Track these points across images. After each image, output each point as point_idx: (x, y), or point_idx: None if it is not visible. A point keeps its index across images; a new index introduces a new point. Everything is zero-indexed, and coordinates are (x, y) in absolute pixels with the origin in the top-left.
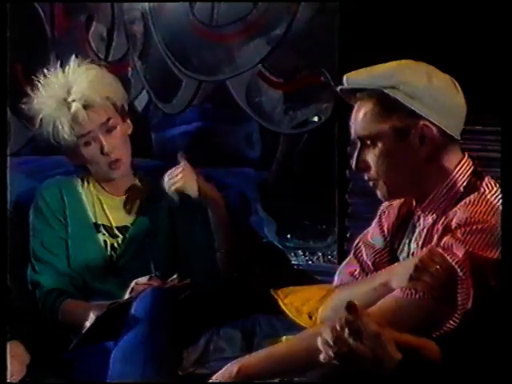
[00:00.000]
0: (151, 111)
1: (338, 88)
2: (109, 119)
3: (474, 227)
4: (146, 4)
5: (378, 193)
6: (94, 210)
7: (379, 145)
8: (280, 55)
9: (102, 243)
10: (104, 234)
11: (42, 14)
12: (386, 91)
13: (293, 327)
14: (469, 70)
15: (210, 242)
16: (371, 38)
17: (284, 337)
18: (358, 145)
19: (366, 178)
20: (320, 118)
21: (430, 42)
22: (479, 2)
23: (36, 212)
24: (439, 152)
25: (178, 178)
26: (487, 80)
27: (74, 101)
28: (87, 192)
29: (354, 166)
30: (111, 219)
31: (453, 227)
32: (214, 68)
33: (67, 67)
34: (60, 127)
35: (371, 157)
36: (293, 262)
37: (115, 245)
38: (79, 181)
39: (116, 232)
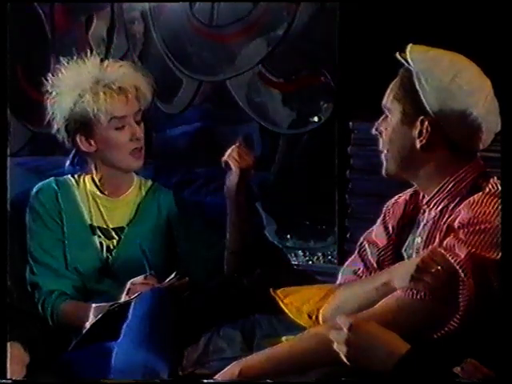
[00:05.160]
0: (151, 111)
1: (398, 53)
2: (139, 110)
3: (478, 228)
4: (146, 4)
5: (383, 168)
6: (89, 212)
7: (389, 118)
8: (280, 55)
9: (98, 245)
10: (100, 236)
11: (41, 14)
12: (413, 73)
13: (293, 327)
14: None
15: (209, 242)
16: (371, 38)
17: (284, 337)
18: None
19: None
20: (320, 118)
21: (429, 42)
22: (479, 3)
23: (32, 214)
24: (440, 148)
25: (243, 158)
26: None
27: (117, 79)
28: (82, 193)
29: (373, 129)
30: (107, 221)
31: (456, 227)
32: (214, 68)
33: (91, 60)
34: (102, 98)
35: (384, 126)
36: (293, 262)
37: (111, 246)
38: (74, 181)
39: (112, 234)
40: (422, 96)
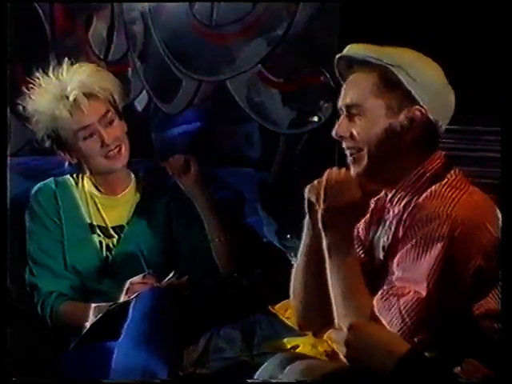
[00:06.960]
0: (151, 111)
1: (339, 55)
2: (107, 112)
3: (431, 223)
4: (146, 4)
5: (354, 168)
6: (88, 211)
7: (369, 116)
8: (280, 55)
9: (98, 244)
10: (99, 235)
11: (41, 14)
12: (391, 69)
13: (293, 328)
14: (469, 70)
15: (207, 239)
16: (371, 39)
17: (285, 339)
18: (344, 113)
19: (346, 149)
20: (320, 118)
21: (430, 42)
22: (479, 4)
23: (31, 215)
24: (421, 141)
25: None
26: (487, 80)
27: (73, 90)
28: (81, 192)
29: (336, 131)
30: (106, 219)
31: (410, 225)
32: (214, 68)
33: (60, 69)
34: (59, 116)
35: (357, 126)
36: (293, 262)
37: (110, 245)
38: (73, 181)
39: (111, 232)
40: (410, 89)
